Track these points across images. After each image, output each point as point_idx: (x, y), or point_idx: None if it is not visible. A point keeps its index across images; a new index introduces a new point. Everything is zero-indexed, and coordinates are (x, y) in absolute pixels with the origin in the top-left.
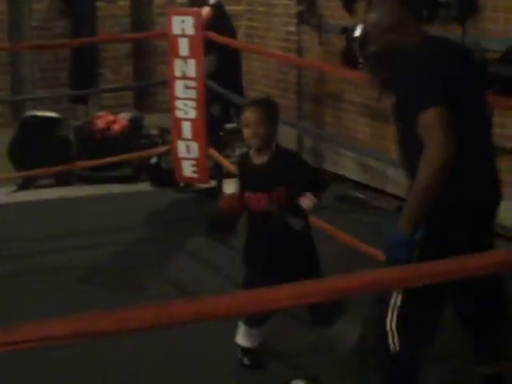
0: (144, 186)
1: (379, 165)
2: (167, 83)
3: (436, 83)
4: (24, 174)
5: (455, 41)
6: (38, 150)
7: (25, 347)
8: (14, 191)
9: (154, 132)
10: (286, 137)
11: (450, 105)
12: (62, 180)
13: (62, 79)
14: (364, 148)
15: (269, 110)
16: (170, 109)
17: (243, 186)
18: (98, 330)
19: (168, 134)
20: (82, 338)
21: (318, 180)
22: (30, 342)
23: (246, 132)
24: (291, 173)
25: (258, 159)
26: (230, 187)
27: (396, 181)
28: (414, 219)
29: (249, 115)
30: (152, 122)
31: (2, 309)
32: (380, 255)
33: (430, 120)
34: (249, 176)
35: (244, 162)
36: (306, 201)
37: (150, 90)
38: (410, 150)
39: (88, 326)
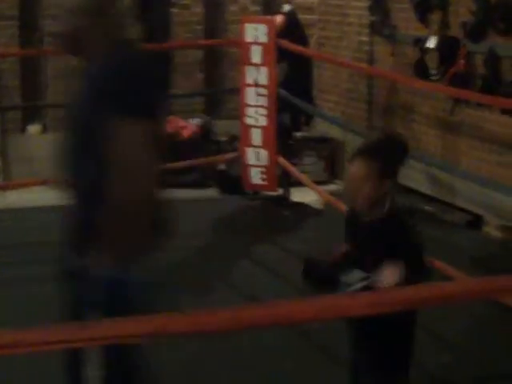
0: (211, 192)
1: (448, 177)
2: (238, 90)
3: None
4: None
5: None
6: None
7: (100, 344)
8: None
9: (223, 138)
10: (354, 146)
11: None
12: None
13: None
14: (434, 160)
15: (384, 161)
16: (239, 116)
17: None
18: (174, 331)
19: (237, 140)
20: (159, 337)
21: (416, 260)
22: (106, 339)
23: (347, 186)
24: (389, 239)
25: (367, 216)
26: (296, 196)
27: (465, 194)
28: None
29: (353, 169)
30: (221, 128)
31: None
32: (448, 270)
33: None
34: (354, 234)
35: (351, 216)
36: (389, 275)
37: (220, 96)
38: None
39: (164, 326)
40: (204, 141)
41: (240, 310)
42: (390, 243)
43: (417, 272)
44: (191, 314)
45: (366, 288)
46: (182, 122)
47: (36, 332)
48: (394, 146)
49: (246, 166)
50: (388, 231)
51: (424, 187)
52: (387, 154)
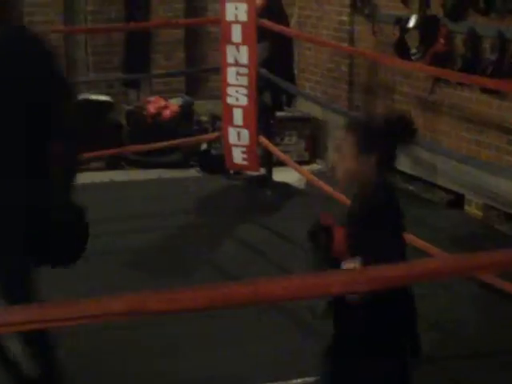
0: (193, 172)
1: (430, 157)
2: (219, 70)
3: None
4: None
5: None
6: (90, 132)
7: (82, 322)
8: None
9: (205, 118)
10: (336, 126)
11: None
12: (113, 163)
13: (115, 63)
14: (415, 139)
15: (365, 137)
16: (221, 95)
17: None
18: (152, 309)
19: (219, 120)
20: (137, 316)
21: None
22: (87, 318)
23: (335, 158)
24: (358, 227)
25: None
26: (279, 176)
27: (446, 173)
28: None
29: (342, 141)
30: (203, 108)
31: (52, 289)
32: (428, 248)
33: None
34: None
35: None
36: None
37: (201, 76)
38: None
39: (143, 304)
40: (186, 121)
41: (221, 287)
42: (359, 231)
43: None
44: (170, 291)
45: None
46: (163, 102)
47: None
48: (387, 124)
49: (228, 146)
50: (360, 217)
51: (405, 166)
52: (371, 130)
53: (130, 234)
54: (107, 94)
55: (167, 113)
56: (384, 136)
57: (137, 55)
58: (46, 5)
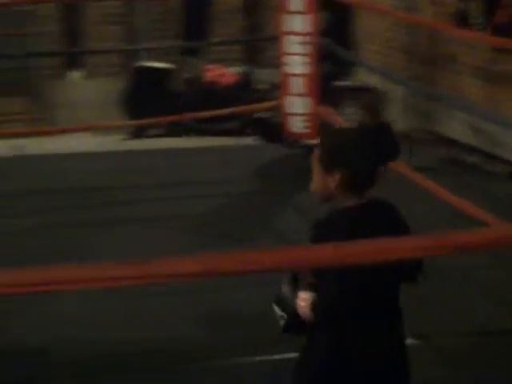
0: (251, 140)
1: (491, 127)
2: (278, 38)
3: None
4: (135, 122)
5: None
6: (150, 99)
7: (155, 281)
8: (126, 139)
9: (263, 86)
10: (395, 96)
11: None
12: (172, 131)
13: (175, 31)
14: (476, 110)
15: (328, 152)
16: (280, 64)
17: None
18: (227, 270)
19: (277, 88)
20: (208, 276)
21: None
22: (160, 277)
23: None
24: None
25: None
26: None
27: (508, 145)
28: None
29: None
30: (261, 76)
31: (112, 252)
32: (488, 219)
33: None
34: None
35: None
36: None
37: (260, 44)
38: None
39: (217, 264)
40: (244, 89)
41: (307, 249)
42: None
43: (322, 300)
44: (244, 252)
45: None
46: (221, 70)
47: (95, 268)
48: (360, 138)
49: (287, 115)
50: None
51: (466, 137)
52: (334, 145)
53: (186, 201)
54: (166, 61)
55: (226, 81)
56: (353, 151)
57: (196, 23)
58: None
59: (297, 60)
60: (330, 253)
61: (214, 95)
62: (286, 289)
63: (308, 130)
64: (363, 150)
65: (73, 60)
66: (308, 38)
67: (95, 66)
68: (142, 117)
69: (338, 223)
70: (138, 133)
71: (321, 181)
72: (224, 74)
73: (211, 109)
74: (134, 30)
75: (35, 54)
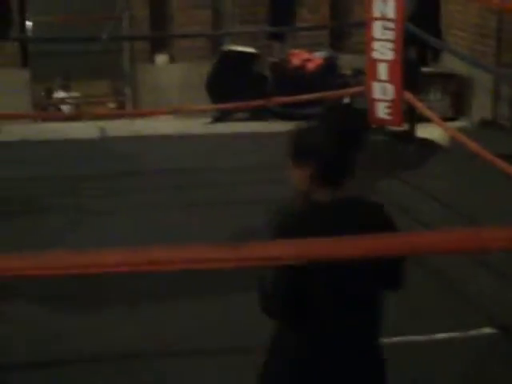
0: None
1: None
2: (364, 24)
3: None
4: (220, 106)
5: None
6: (235, 83)
7: (249, 264)
8: (210, 123)
9: (348, 72)
10: (482, 83)
11: None
12: (256, 115)
13: (261, 16)
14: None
15: (295, 149)
16: (365, 50)
17: None
18: (319, 254)
19: (362, 74)
20: (302, 260)
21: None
22: (256, 260)
23: None
24: None
25: None
26: (422, 132)
27: None
28: None
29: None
30: (346, 62)
31: (200, 233)
32: None
33: None
34: None
35: None
36: None
37: (346, 30)
38: None
39: (311, 248)
40: (329, 74)
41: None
42: None
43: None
44: (353, 238)
45: None
46: (307, 55)
47: (192, 250)
48: (328, 133)
49: (372, 100)
50: None
51: None
52: (302, 140)
53: (269, 185)
54: (252, 46)
55: (311, 66)
56: (318, 144)
57: (282, 8)
58: None
59: (383, 46)
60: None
61: (299, 80)
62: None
63: (393, 117)
64: (328, 142)
65: (160, 44)
66: (395, 24)
67: (182, 50)
68: (226, 101)
69: (303, 219)
70: (223, 117)
71: (295, 176)
72: (309, 58)
73: (296, 94)
74: (220, 15)
75: (123, 37)
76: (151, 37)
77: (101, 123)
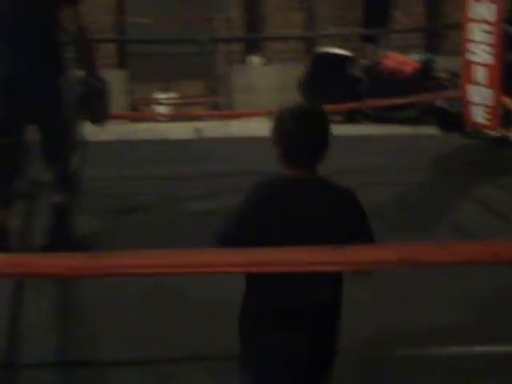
0: (430, 129)
1: None
2: (460, 26)
3: None
4: None
5: None
6: (328, 85)
7: (353, 268)
8: None
9: (443, 75)
10: None
11: None
12: (350, 117)
13: (354, 18)
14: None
15: (277, 125)
16: (461, 52)
17: None
18: (425, 260)
19: (457, 77)
20: (404, 265)
21: None
22: (361, 264)
23: None
24: None
25: None
26: None
27: None
28: None
29: None
30: (441, 64)
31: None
32: None
33: None
34: None
35: None
36: None
37: (441, 32)
38: None
39: (416, 254)
40: (424, 77)
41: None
42: None
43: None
44: (444, 244)
45: None
46: (402, 58)
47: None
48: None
49: (468, 104)
50: None
51: None
52: (278, 119)
53: (362, 188)
54: (345, 48)
55: (405, 68)
56: (288, 131)
57: (376, 10)
58: None
59: (480, 48)
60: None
61: (393, 83)
62: None
63: (490, 121)
64: (294, 127)
65: (254, 46)
66: (493, 27)
67: (275, 52)
68: (320, 103)
69: (268, 190)
70: None
71: (275, 154)
72: (404, 61)
73: (390, 96)
74: (314, 17)
75: (218, 39)
76: (245, 39)
77: (196, 124)
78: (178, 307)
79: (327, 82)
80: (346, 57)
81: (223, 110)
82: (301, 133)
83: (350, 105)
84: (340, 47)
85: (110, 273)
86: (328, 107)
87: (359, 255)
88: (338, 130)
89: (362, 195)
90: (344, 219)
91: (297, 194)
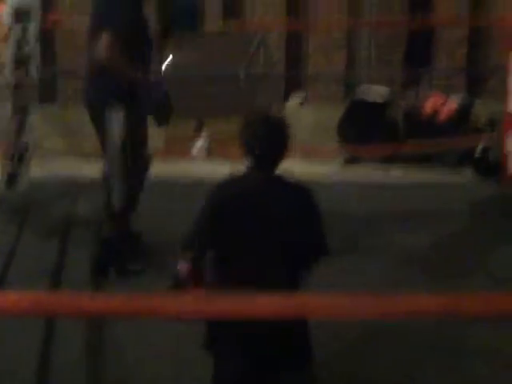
0: (467, 175)
1: None
2: (503, 72)
3: None
4: (351, 149)
5: None
6: (367, 127)
7: (392, 317)
8: (340, 167)
9: (483, 120)
10: None
11: None
12: (387, 160)
13: (396, 57)
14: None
15: (244, 133)
16: (503, 99)
17: None
18: (468, 312)
19: (498, 123)
20: (449, 316)
21: None
22: (401, 313)
23: None
24: None
25: None
26: None
27: None
28: None
29: None
30: (481, 108)
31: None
32: None
33: None
34: None
35: None
36: None
37: (482, 76)
38: None
39: (458, 305)
40: (463, 120)
41: None
42: None
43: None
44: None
45: None
46: (442, 99)
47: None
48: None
49: (505, 154)
50: None
51: None
52: (245, 129)
53: (400, 233)
54: (387, 87)
55: (445, 111)
56: (251, 139)
57: (418, 50)
58: None
59: None
60: None
61: (431, 126)
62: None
63: None
64: (257, 136)
65: (294, 83)
66: None
67: (315, 90)
68: (358, 144)
69: (220, 191)
70: (353, 160)
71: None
72: (443, 103)
73: (429, 139)
74: (356, 56)
75: (259, 76)
76: (286, 76)
77: (232, 163)
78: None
79: (365, 124)
80: (385, 99)
81: None
82: (265, 137)
83: (388, 148)
84: (380, 88)
85: (148, 313)
86: (365, 150)
87: (399, 304)
88: (375, 172)
89: (398, 240)
90: (297, 215)
91: (259, 191)
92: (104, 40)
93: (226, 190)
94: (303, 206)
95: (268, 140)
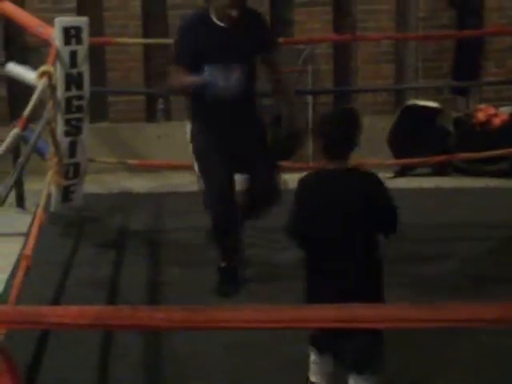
0: None
1: None
2: None
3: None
4: (403, 161)
5: None
6: (418, 138)
7: (448, 326)
8: (392, 177)
9: None
10: None
11: None
12: (440, 170)
13: (445, 70)
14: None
15: (318, 127)
16: None
17: None
18: None
19: None
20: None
21: None
22: (456, 322)
23: None
24: None
25: None
26: None
27: None
28: None
29: None
30: None
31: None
32: None
33: None
34: None
35: None
36: None
37: None
38: None
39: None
40: None
41: None
42: None
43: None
44: None
45: None
46: (493, 110)
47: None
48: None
49: None
50: None
51: None
52: (319, 119)
53: (452, 243)
54: (435, 100)
55: (497, 121)
56: (325, 130)
57: (467, 62)
58: (379, 11)
59: None
60: None
61: (484, 135)
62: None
63: None
64: (330, 127)
65: (343, 97)
66: None
67: (364, 104)
68: (409, 155)
69: (312, 179)
70: (405, 171)
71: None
72: (495, 114)
73: (481, 149)
74: (404, 69)
75: (307, 91)
76: (334, 91)
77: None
78: (266, 363)
79: (416, 134)
80: (436, 109)
81: (310, 162)
82: (334, 131)
83: (439, 157)
84: (430, 99)
85: (210, 326)
86: (417, 160)
87: (456, 313)
88: (427, 182)
89: (449, 250)
90: (370, 195)
91: (336, 181)
92: None
93: (307, 180)
94: (375, 190)
95: (345, 128)
